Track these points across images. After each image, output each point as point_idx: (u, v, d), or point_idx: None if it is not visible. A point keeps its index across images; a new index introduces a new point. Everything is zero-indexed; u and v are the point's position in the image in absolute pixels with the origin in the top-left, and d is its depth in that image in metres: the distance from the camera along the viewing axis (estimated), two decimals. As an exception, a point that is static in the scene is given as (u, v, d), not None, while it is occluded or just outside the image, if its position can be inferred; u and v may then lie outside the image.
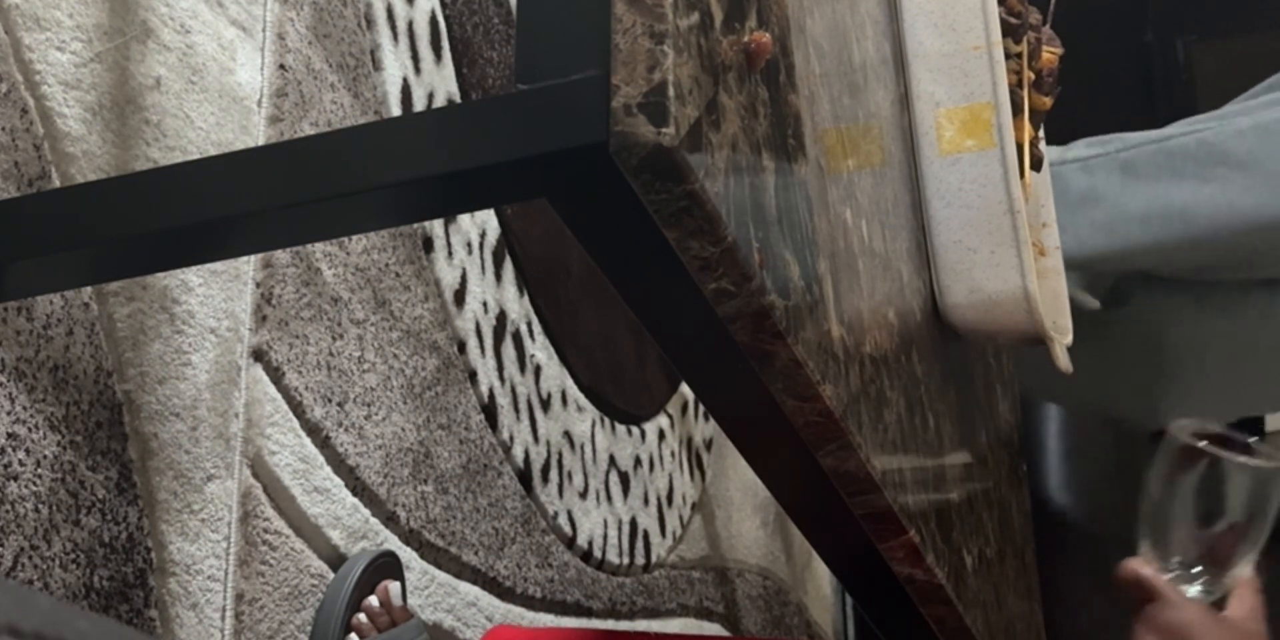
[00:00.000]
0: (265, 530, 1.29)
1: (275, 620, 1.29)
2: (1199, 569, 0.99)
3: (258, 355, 1.31)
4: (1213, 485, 0.98)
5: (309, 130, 1.43)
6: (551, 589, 1.81)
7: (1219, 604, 0.99)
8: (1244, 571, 1.00)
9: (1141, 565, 1.00)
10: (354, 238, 1.49)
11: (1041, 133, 1.40)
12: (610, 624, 1.96)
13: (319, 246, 1.42)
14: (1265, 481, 0.97)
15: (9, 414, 1.03)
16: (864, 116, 1.05)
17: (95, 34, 1.17)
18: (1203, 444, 0.98)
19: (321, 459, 1.39)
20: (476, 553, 1.64)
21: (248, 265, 1.32)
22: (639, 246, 0.71)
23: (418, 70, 1.67)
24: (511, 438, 1.76)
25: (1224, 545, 0.99)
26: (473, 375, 1.70)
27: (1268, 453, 0.98)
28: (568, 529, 1.88)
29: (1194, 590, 0.99)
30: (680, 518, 2.27)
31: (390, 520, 1.48)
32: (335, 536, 1.39)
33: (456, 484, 1.62)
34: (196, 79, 1.29)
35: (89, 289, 1.12)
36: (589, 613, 1.90)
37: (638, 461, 2.14)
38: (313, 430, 1.37)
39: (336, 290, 1.44)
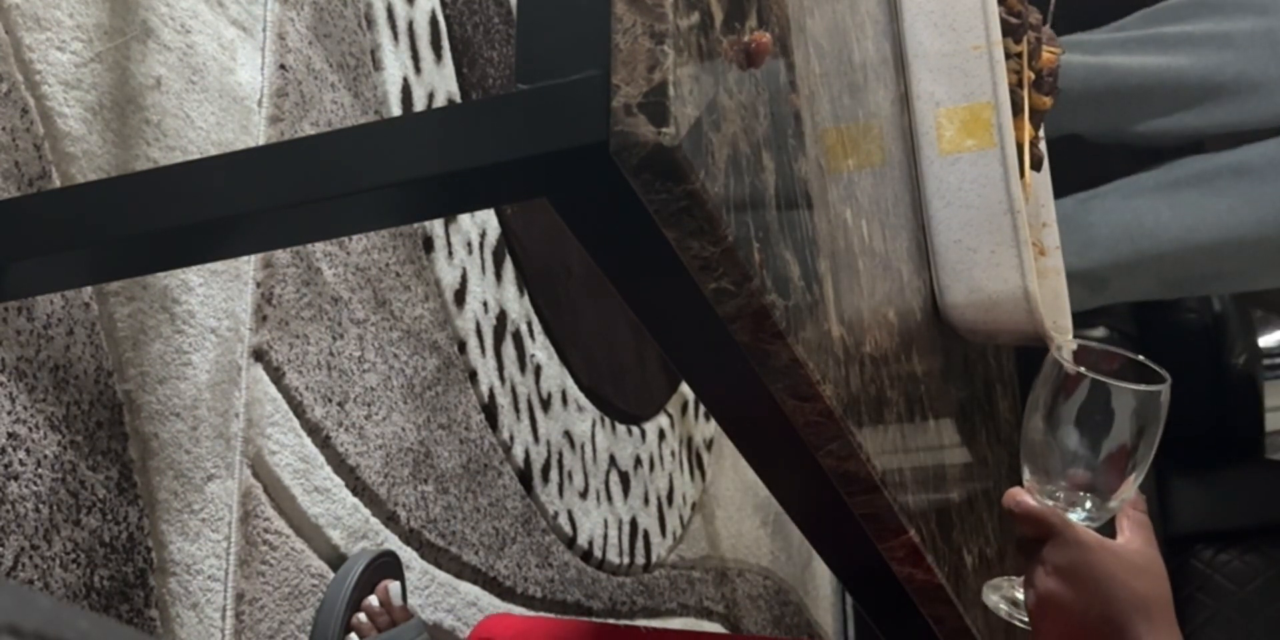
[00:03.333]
0: (265, 530, 1.29)
1: (275, 620, 1.29)
2: (1084, 495, 0.95)
3: (258, 355, 1.31)
4: (1096, 408, 0.94)
5: (309, 130, 1.43)
6: (552, 589, 1.81)
7: (1106, 529, 0.97)
8: (1129, 495, 0.96)
9: (1026, 495, 0.95)
10: (354, 238, 1.49)
11: (1041, 132, 1.40)
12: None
13: (319, 246, 1.42)
14: (1148, 402, 0.93)
15: (9, 414, 1.03)
16: (864, 116, 1.05)
17: (95, 34, 1.17)
18: (1082, 369, 0.95)
19: (322, 459, 1.38)
20: (477, 552, 1.64)
21: (248, 265, 1.32)
22: (639, 246, 0.71)
23: (418, 70, 1.67)
24: (512, 437, 1.76)
25: (1109, 470, 0.95)
26: (473, 375, 1.70)
27: (1153, 369, 0.95)
28: (568, 529, 1.88)
29: (1078, 516, 0.95)
30: (680, 518, 2.27)
31: (390, 520, 1.48)
32: (335, 536, 1.39)
33: (457, 484, 1.62)
34: (197, 79, 1.29)
35: (89, 289, 1.12)
36: (589, 612, 1.90)
37: (638, 461, 2.14)
38: (313, 430, 1.37)
39: (337, 290, 1.44)
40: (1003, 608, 0.99)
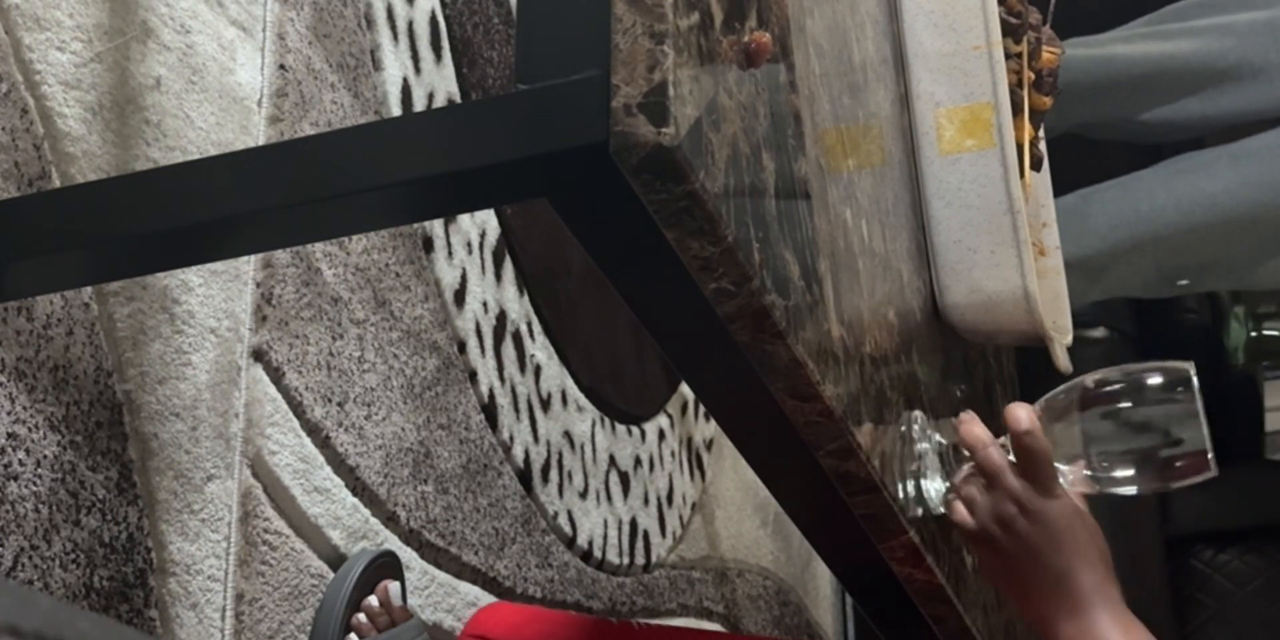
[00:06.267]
0: (265, 530, 1.29)
1: (275, 620, 1.29)
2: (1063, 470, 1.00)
3: (258, 355, 1.31)
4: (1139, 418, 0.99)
5: (309, 130, 1.43)
6: (551, 589, 1.81)
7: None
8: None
9: (1037, 426, 0.99)
10: (354, 238, 1.49)
11: (1041, 132, 1.40)
12: (610, 624, 1.96)
13: (319, 246, 1.42)
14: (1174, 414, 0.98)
15: (9, 414, 1.03)
16: (864, 116, 1.05)
17: (95, 34, 1.17)
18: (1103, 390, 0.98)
19: (321, 459, 1.38)
20: (476, 553, 1.64)
21: (248, 265, 1.32)
22: (639, 246, 0.71)
23: (418, 70, 1.67)
24: (511, 438, 1.76)
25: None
26: (473, 375, 1.70)
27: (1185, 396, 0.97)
28: (568, 529, 1.88)
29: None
30: (680, 518, 2.27)
31: (390, 520, 1.48)
32: (335, 536, 1.39)
33: (456, 484, 1.62)
34: (196, 79, 1.29)
35: (89, 289, 1.12)
36: (589, 613, 1.90)
37: (638, 461, 2.14)
38: (313, 430, 1.37)
39: (336, 290, 1.44)
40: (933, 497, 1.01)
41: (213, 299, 1.26)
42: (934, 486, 1.02)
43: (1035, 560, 0.97)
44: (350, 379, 1.44)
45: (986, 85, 1.19)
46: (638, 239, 0.70)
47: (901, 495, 0.97)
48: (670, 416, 2.29)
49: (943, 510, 1.02)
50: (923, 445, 1.01)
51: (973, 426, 1.01)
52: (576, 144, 0.67)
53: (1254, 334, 2.73)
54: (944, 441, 1.04)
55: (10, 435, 1.03)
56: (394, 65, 1.62)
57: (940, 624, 1.10)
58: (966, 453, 1.00)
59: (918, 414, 1.03)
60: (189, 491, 1.20)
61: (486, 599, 1.65)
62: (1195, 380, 0.97)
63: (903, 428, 1.01)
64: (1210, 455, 0.96)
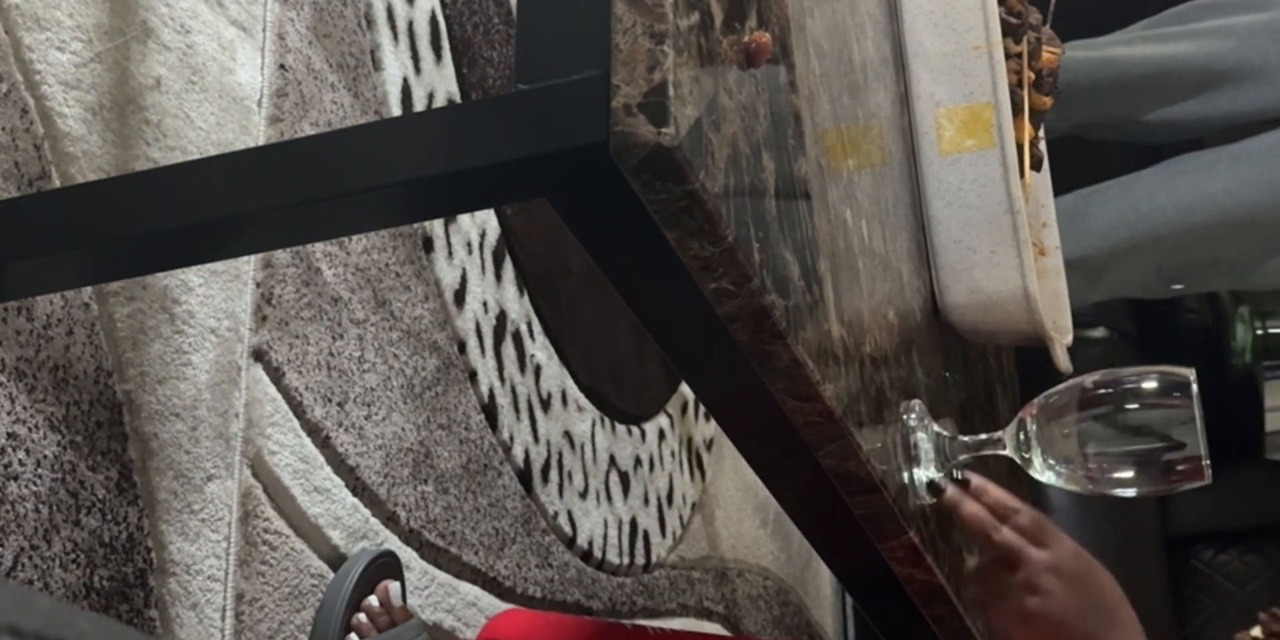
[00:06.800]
0: (265, 530, 1.29)
1: (275, 620, 1.29)
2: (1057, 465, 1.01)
3: (258, 355, 1.31)
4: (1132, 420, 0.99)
5: (309, 130, 1.43)
6: (551, 589, 1.81)
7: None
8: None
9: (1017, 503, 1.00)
10: (354, 238, 1.49)
11: (1041, 132, 1.40)
12: (610, 624, 1.96)
13: (319, 246, 1.42)
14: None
15: (9, 414, 1.03)
16: (864, 116, 1.05)
17: (95, 34, 1.17)
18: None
19: (321, 459, 1.38)
20: (476, 553, 1.64)
21: (248, 265, 1.32)
22: (639, 246, 0.71)
23: (418, 70, 1.67)
24: (511, 438, 1.76)
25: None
26: (473, 375, 1.70)
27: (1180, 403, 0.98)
28: (568, 529, 1.88)
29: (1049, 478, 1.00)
30: (680, 518, 2.27)
31: (390, 520, 1.48)
32: (335, 536, 1.39)
33: (456, 484, 1.62)
34: (196, 79, 1.29)
35: (89, 289, 1.12)
36: (589, 613, 1.90)
37: (638, 461, 2.14)
38: (313, 430, 1.37)
39: (336, 290, 1.44)
40: None
41: (213, 299, 1.26)
42: (925, 476, 1.02)
43: (1087, 621, 0.98)
44: (350, 379, 1.44)
45: (986, 85, 1.19)
46: (638, 239, 0.70)
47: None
48: (670, 416, 2.29)
49: (931, 500, 1.02)
50: (919, 435, 1.01)
51: (968, 505, 1.00)
52: (576, 144, 0.67)
53: (1260, 332, 2.73)
54: (941, 432, 1.03)
55: (10, 435, 1.03)
56: (394, 65, 1.62)
57: (940, 624, 1.10)
58: (969, 533, 1.01)
59: (916, 403, 1.03)
60: (189, 491, 1.20)
61: (486, 599, 1.65)
62: (1195, 387, 0.97)
63: (902, 416, 1.01)
64: (1206, 462, 0.96)
